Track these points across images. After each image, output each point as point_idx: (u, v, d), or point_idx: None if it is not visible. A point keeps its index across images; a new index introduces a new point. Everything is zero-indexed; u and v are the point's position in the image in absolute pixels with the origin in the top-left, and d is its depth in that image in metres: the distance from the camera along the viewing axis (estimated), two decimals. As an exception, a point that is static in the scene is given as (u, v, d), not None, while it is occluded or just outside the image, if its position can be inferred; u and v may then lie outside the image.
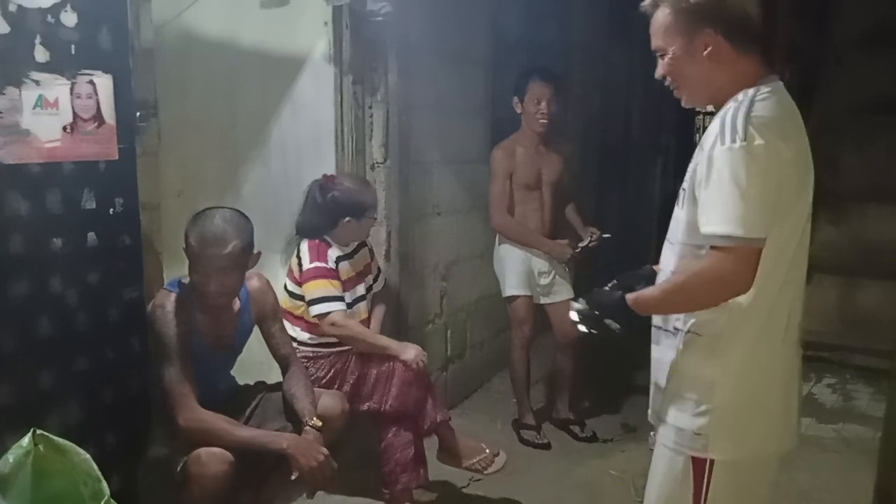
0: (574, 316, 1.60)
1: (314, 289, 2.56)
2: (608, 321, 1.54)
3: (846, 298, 4.21)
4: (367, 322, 2.74)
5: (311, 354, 2.61)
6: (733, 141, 1.35)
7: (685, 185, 1.50)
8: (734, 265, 1.37)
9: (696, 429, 1.51)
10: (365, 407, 2.58)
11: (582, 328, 1.60)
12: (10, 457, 1.20)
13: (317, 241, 2.61)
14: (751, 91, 1.43)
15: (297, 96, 2.96)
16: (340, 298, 2.59)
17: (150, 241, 2.60)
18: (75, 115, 1.71)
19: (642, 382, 3.98)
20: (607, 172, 5.25)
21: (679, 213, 1.53)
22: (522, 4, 4.05)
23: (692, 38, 1.46)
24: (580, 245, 3.20)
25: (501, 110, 3.80)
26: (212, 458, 1.93)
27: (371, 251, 2.86)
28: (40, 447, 1.20)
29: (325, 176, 2.66)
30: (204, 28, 3.06)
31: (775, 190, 1.38)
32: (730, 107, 1.42)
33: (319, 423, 2.14)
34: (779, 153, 1.37)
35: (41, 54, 1.63)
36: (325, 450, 2.06)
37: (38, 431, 1.20)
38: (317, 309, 2.55)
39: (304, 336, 2.62)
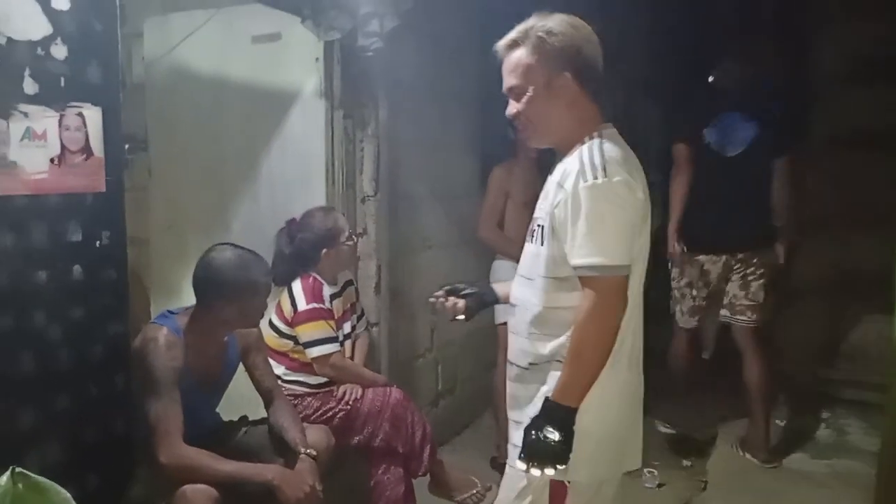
0: (520, 464, 1.52)
1: (312, 330, 2.53)
2: (547, 433, 1.48)
3: (836, 331, 4.21)
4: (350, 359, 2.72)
5: (299, 392, 2.57)
6: (595, 178, 1.46)
7: (541, 221, 1.59)
8: (606, 292, 1.47)
9: None
10: (355, 441, 2.54)
11: (534, 470, 1.51)
12: (-12, 496, 1.16)
13: (311, 279, 2.59)
14: (595, 134, 1.55)
15: (287, 131, 2.97)
16: (337, 338, 2.57)
17: (139, 275, 2.58)
18: (63, 147, 1.70)
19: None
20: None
21: (536, 249, 1.61)
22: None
23: (551, 81, 1.55)
24: None
25: (491, 146, 3.83)
26: (197, 495, 1.88)
27: (356, 290, 2.85)
28: (19, 486, 1.16)
29: (287, 222, 2.66)
30: (195, 64, 3.09)
31: (633, 221, 1.50)
32: (582, 148, 1.52)
33: (314, 452, 2.11)
34: (633, 189, 1.50)
35: (30, 86, 1.63)
36: (310, 480, 2.02)
37: (18, 469, 1.16)
38: (316, 351, 2.52)
39: (288, 374, 2.59)
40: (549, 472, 1.50)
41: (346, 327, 2.70)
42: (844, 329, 4.21)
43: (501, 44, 1.60)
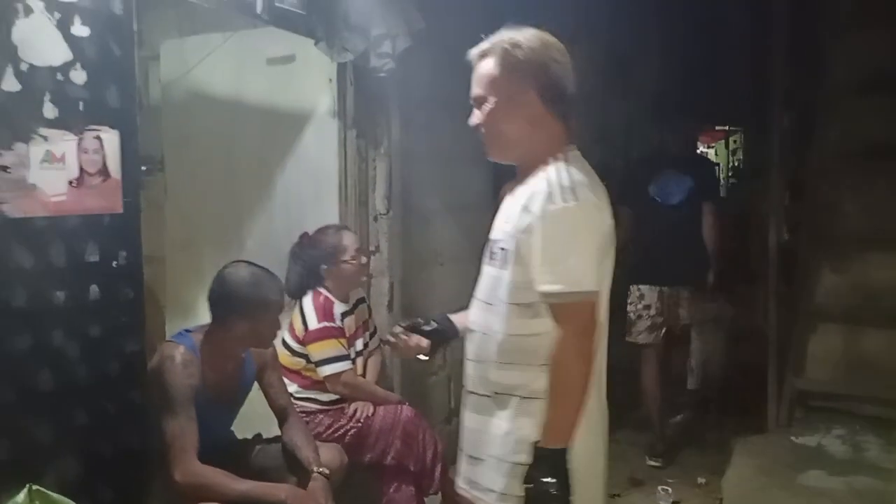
0: None
1: (323, 349, 2.55)
2: (544, 483, 1.39)
3: (852, 347, 4.15)
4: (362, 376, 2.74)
5: (311, 409, 2.58)
6: (565, 201, 1.40)
7: (503, 244, 1.52)
8: (578, 319, 1.41)
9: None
10: (366, 458, 2.54)
11: None
12: (6, 513, 1.18)
13: (321, 297, 2.61)
14: (561, 156, 1.48)
15: (301, 150, 3.01)
16: (348, 356, 2.58)
17: (154, 293, 2.60)
18: (81, 170, 1.74)
19: (647, 435, 3.90)
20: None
21: (497, 273, 1.53)
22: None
23: (513, 95, 1.50)
24: None
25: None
26: (210, 514, 1.89)
27: (369, 308, 2.86)
28: (36, 503, 1.18)
29: (300, 236, 2.69)
30: (211, 85, 3.14)
31: (601, 245, 1.45)
32: (548, 170, 1.46)
33: (327, 471, 2.12)
34: (602, 211, 1.47)
35: (50, 111, 1.66)
36: (322, 500, 2.03)
37: (35, 487, 1.19)
38: (328, 369, 2.54)
39: (301, 392, 2.60)
40: None
41: (359, 344, 2.72)
42: (862, 344, 4.17)
43: (474, 52, 1.57)
